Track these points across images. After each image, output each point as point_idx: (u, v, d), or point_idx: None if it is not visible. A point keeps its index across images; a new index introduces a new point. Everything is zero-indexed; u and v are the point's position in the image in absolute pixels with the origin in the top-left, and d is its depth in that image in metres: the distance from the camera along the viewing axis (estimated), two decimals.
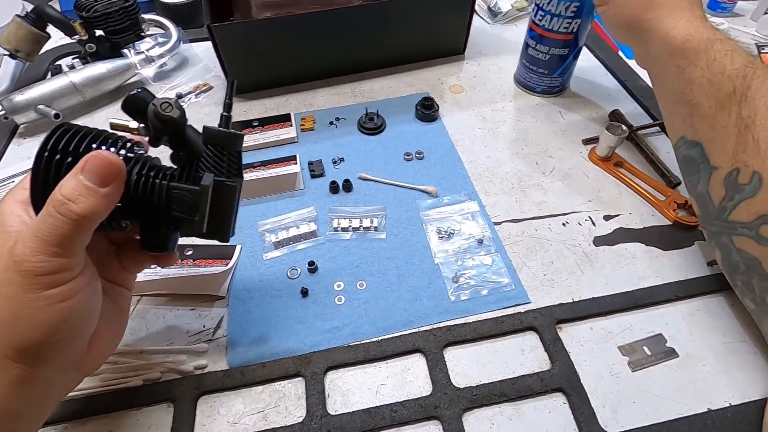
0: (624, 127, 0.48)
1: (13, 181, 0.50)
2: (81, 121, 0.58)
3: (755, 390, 0.34)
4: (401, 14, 0.59)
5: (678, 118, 0.38)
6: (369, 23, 0.58)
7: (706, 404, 0.34)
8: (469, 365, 0.36)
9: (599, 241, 0.44)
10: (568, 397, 0.34)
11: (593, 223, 0.46)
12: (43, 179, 0.26)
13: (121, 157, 0.27)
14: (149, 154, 0.30)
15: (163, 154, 0.30)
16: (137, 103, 0.28)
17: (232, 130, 0.30)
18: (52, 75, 0.60)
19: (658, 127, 0.55)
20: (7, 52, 0.57)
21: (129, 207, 0.28)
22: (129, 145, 0.29)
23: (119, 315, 0.32)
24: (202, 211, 0.29)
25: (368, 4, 0.57)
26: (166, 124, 0.27)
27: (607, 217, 0.46)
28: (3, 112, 0.54)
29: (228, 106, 0.30)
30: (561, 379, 0.35)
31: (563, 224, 0.46)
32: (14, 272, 0.24)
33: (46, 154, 0.26)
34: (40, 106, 0.54)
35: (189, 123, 0.30)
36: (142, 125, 0.29)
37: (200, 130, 0.30)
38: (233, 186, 0.30)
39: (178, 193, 0.28)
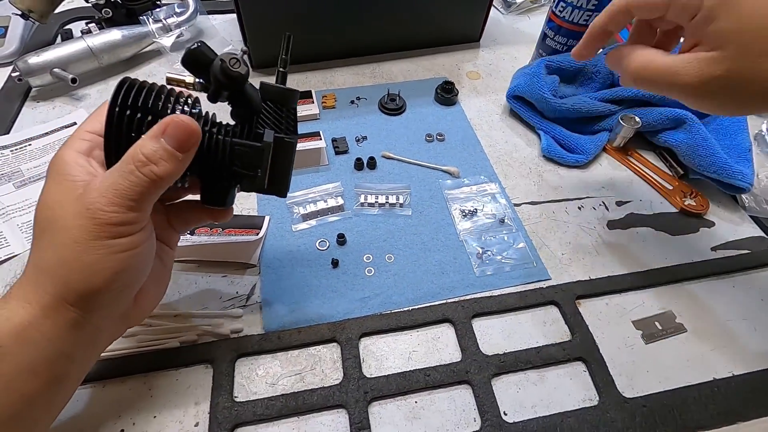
0: (637, 119, 0.51)
1: (29, 144, 0.49)
2: (96, 88, 0.57)
3: (756, 362, 0.37)
4: (423, 0, 0.59)
5: None
6: (390, 7, 0.59)
7: (712, 373, 0.37)
8: (495, 335, 0.38)
9: (613, 224, 0.47)
10: (588, 365, 0.37)
11: (607, 208, 0.48)
12: (116, 134, 0.26)
13: (187, 113, 0.27)
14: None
15: (219, 110, 0.30)
16: (199, 57, 0.28)
17: (289, 86, 0.30)
18: (62, 39, 0.59)
19: None
20: (19, 12, 0.55)
21: (193, 163, 0.28)
22: (191, 101, 0.29)
23: (163, 272, 0.32)
24: (264, 167, 0.29)
25: None
26: (234, 81, 0.27)
27: (619, 203, 0.49)
28: (18, 73, 0.52)
29: (284, 62, 0.30)
30: (581, 348, 0.37)
31: (579, 208, 0.48)
32: (87, 218, 0.24)
33: (118, 110, 0.26)
34: (56, 70, 0.53)
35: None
36: (199, 80, 0.29)
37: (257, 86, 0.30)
38: (292, 142, 0.31)
39: (241, 150, 0.29)
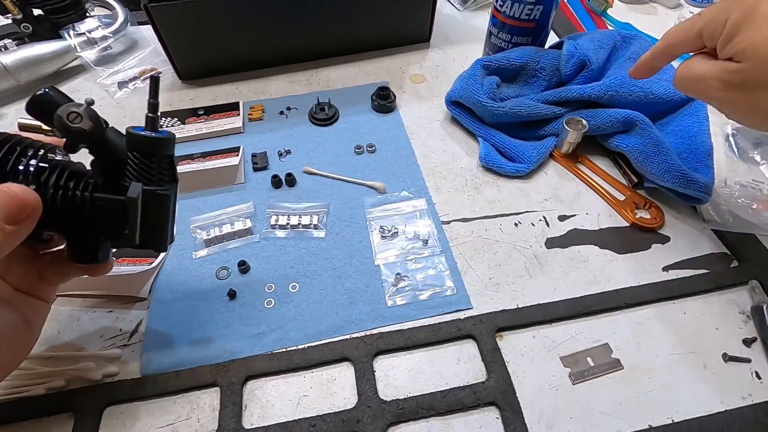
0: (584, 122, 0.46)
1: None
2: (15, 107, 0.55)
3: (699, 406, 0.32)
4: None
5: None
6: (326, 6, 0.55)
7: (648, 420, 0.32)
8: (399, 376, 0.34)
9: (552, 242, 0.42)
10: (501, 412, 0.32)
11: (547, 224, 0.43)
12: None
13: (32, 168, 0.25)
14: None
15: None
16: (44, 105, 0.25)
17: (161, 133, 0.27)
18: None
19: None
20: None
21: (50, 219, 0.25)
22: (43, 152, 0.26)
23: (24, 334, 0.29)
24: (131, 224, 0.26)
25: None
26: (77, 137, 0.25)
27: (562, 218, 0.44)
28: None
29: (153, 106, 0.27)
30: (495, 392, 0.33)
31: (515, 224, 0.43)
32: None
33: None
34: None
35: (110, 125, 0.27)
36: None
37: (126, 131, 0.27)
38: (166, 194, 0.28)
39: (104, 205, 0.26)
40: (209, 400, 0.33)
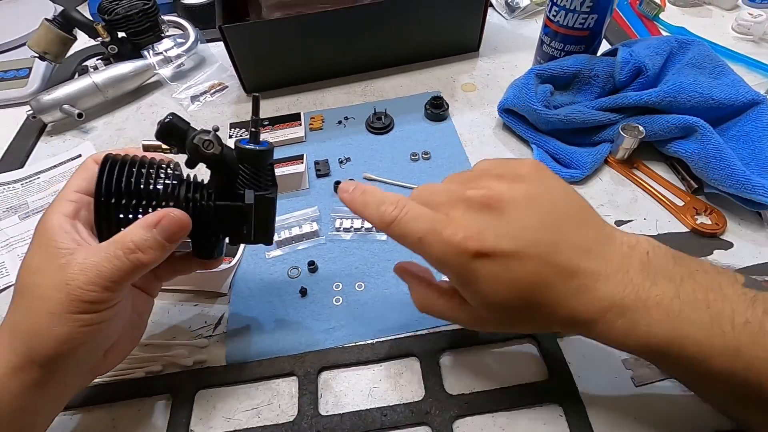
0: (641, 129, 0.46)
1: (38, 177, 0.53)
2: (103, 120, 0.61)
3: None
4: (413, 11, 0.58)
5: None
6: (380, 21, 0.58)
7: (714, 425, 0.32)
8: (464, 372, 0.36)
9: None
10: (565, 410, 0.33)
11: None
12: (105, 216, 0.29)
13: (167, 185, 0.30)
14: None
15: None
16: (172, 130, 0.29)
17: (263, 145, 0.31)
18: (79, 75, 0.63)
19: None
20: (36, 54, 0.60)
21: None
22: (170, 170, 0.30)
23: (138, 325, 0.34)
24: (248, 225, 0.31)
25: (378, 2, 0.56)
26: (209, 160, 0.29)
27: (618, 223, 0.44)
28: (31, 111, 0.57)
29: (255, 122, 0.31)
30: (558, 391, 0.34)
31: None
32: (64, 293, 0.26)
33: (103, 197, 0.28)
34: (65, 106, 0.57)
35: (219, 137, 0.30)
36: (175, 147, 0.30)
37: (233, 145, 0.31)
38: (272, 197, 0.32)
39: (227, 211, 0.30)
40: (288, 388, 0.36)
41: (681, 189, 0.46)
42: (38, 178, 0.53)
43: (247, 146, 0.30)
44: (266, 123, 0.57)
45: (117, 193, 0.29)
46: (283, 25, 0.55)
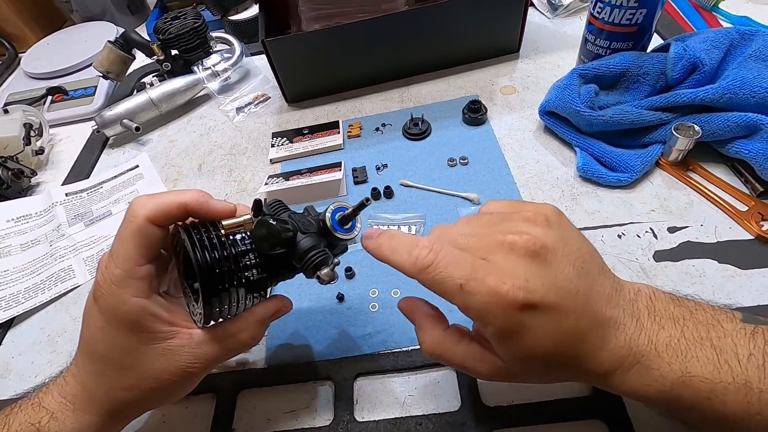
0: (697, 128, 0.43)
1: (101, 187, 0.57)
2: (157, 133, 0.65)
3: None
4: (449, 16, 0.57)
5: None
6: (416, 27, 0.58)
7: None
8: (502, 384, 0.35)
9: (661, 255, 0.40)
10: (609, 426, 0.31)
11: (655, 236, 0.41)
12: (217, 303, 0.28)
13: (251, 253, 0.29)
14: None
15: None
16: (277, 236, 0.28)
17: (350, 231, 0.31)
18: (137, 92, 0.68)
19: None
20: (100, 74, 0.66)
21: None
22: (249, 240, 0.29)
23: None
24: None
25: (414, 9, 0.56)
26: (320, 280, 0.29)
27: (672, 229, 0.41)
28: (96, 126, 0.62)
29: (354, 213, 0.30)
30: (601, 406, 0.32)
31: (619, 236, 0.42)
32: (178, 376, 0.29)
33: (206, 275, 0.27)
34: (125, 120, 0.62)
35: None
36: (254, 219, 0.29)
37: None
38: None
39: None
40: (325, 392, 0.37)
41: (744, 193, 0.42)
42: (101, 187, 0.58)
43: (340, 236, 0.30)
44: (306, 131, 0.59)
45: (220, 277, 0.27)
46: (322, 36, 0.57)
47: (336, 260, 0.29)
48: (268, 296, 0.32)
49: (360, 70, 0.62)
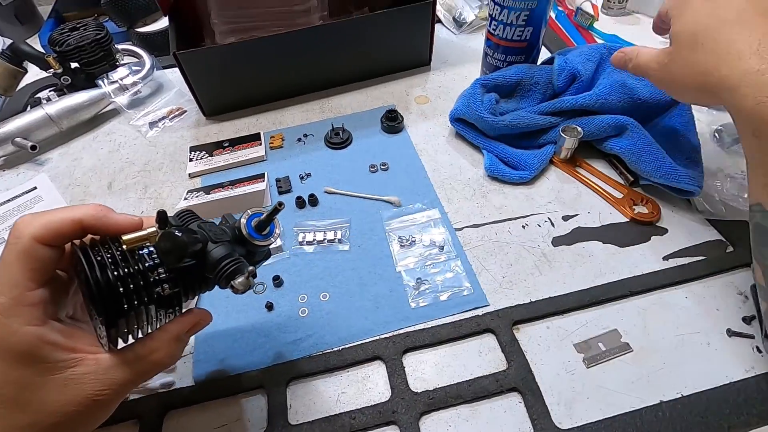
0: (579, 129, 0.50)
1: None
2: (58, 152, 0.60)
3: (706, 380, 0.35)
4: (363, 31, 0.61)
5: (758, 183, 0.33)
6: (332, 42, 0.60)
7: (659, 396, 0.34)
8: (427, 370, 0.37)
9: (558, 241, 0.45)
10: (523, 396, 0.35)
11: (552, 224, 0.47)
12: (124, 323, 0.27)
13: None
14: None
15: None
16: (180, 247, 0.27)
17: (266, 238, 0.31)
18: (31, 108, 0.62)
19: None
20: None
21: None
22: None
23: None
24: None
25: (329, 23, 0.59)
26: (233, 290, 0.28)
27: (566, 218, 0.47)
28: None
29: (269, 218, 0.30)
30: (516, 378, 0.36)
31: (523, 227, 0.47)
32: (84, 406, 0.26)
33: (106, 297, 0.25)
34: (18, 139, 0.56)
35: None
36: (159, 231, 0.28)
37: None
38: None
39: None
40: (257, 401, 0.36)
41: (619, 183, 0.49)
42: None
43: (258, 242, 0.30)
44: (226, 144, 0.58)
45: (117, 287, 0.26)
46: (238, 49, 0.57)
47: (251, 268, 0.28)
48: (183, 311, 0.30)
49: (278, 82, 0.63)
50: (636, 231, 0.45)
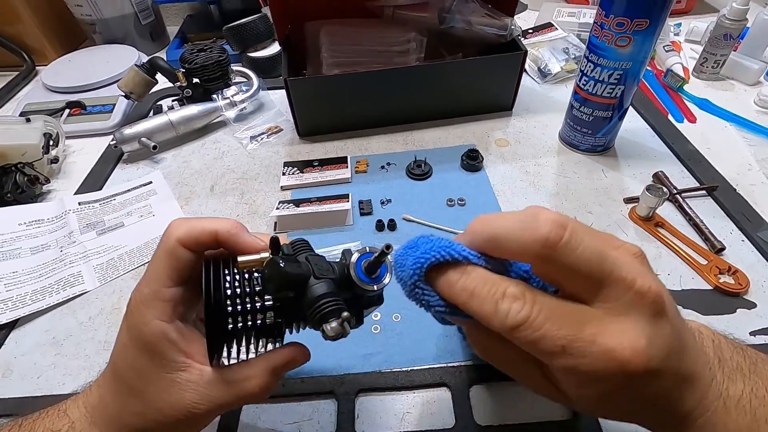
0: (665, 189, 0.50)
1: (114, 199, 0.60)
2: (172, 153, 0.68)
3: None
4: (455, 74, 0.65)
5: None
6: (424, 81, 0.65)
7: None
8: (493, 404, 0.38)
9: None
10: None
11: None
12: (225, 342, 0.27)
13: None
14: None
15: None
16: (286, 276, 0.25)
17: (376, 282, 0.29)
18: (154, 113, 0.72)
19: (704, 191, 0.55)
20: (123, 94, 0.70)
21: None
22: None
23: None
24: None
25: (425, 64, 0.64)
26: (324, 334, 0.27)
27: None
28: (114, 141, 0.65)
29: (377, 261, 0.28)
30: (581, 428, 0.35)
31: None
32: (183, 415, 0.27)
33: (219, 307, 0.26)
34: (143, 139, 0.65)
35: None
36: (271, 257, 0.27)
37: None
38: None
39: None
40: (327, 406, 0.39)
41: (704, 248, 0.48)
42: (114, 199, 0.60)
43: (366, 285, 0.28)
44: (316, 164, 0.63)
45: (226, 306, 0.26)
46: (341, 81, 0.63)
47: (346, 314, 0.26)
48: (283, 343, 0.30)
49: (370, 112, 0.68)
50: (721, 301, 0.44)
